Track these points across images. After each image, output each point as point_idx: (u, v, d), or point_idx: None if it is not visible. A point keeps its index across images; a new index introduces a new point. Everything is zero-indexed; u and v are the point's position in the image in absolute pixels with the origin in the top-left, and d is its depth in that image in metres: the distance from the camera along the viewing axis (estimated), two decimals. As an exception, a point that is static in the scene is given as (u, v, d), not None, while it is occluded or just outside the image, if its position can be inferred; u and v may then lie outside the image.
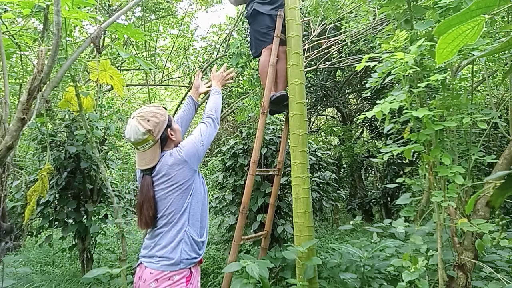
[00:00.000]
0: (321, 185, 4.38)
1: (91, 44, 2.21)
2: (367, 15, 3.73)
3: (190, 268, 1.54)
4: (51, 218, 3.67)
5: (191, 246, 1.55)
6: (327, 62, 5.03)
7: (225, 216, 4.07)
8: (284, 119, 2.97)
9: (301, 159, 2.57)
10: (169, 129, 1.61)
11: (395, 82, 3.20)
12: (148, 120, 1.52)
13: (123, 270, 2.40)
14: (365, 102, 8.45)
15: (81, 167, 3.72)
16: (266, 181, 3.67)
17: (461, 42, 0.77)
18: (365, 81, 3.62)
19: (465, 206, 2.16)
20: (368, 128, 8.77)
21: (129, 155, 9.02)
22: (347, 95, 8.73)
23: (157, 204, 1.55)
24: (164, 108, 1.64)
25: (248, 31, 3.00)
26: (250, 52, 3.02)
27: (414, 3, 2.18)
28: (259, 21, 2.74)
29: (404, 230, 2.35)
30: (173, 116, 1.76)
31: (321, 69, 6.45)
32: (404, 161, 7.12)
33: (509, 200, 4.07)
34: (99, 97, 3.90)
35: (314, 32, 4.23)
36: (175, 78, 8.56)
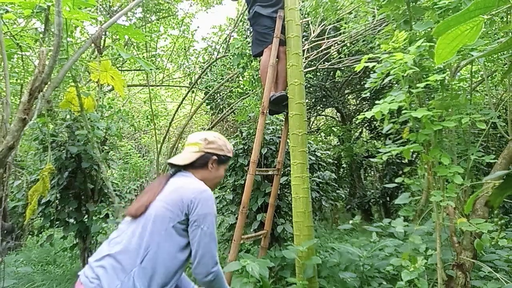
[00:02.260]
0: (320, 185, 4.40)
1: (92, 45, 2.23)
2: (366, 16, 3.74)
3: None
4: (52, 218, 3.69)
5: None
6: (326, 63, 5.04)
7: (225, 216, 4.09)
8: (283, 119, 2.98)
9: (300, 159, 2.58)
10: (215, 159, 1.50)
11: (394, 82, 3.21)
12: (213, 137, 1.54)
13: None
14: (364, 103, 8.46)
15: (82, 167, 3.73)
16: (266, 181, 3.68)
17: (460, 43, 0.78)
18: (364, 82, 3.63)
19: (464, 205, 2.16)
20: (367, 128, 8.78)
21: (130, 155, 9.03)
22: (347, 95, 8.74)
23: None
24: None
25: (249, 31, 3.03)
26: (251, 52, 3.04)
27: (413, 3, 2.19)
28: (260, 22, 2.79)
29: (403, 229, 2.35)
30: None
31: (320, 70, 6.45)
32: (403, 161, 7.13)
33: (508, 200, 4.07)
34: (100, 98, 3.92)
35: (313, 33, 4.24)
36: (175, 78, 8.57)
